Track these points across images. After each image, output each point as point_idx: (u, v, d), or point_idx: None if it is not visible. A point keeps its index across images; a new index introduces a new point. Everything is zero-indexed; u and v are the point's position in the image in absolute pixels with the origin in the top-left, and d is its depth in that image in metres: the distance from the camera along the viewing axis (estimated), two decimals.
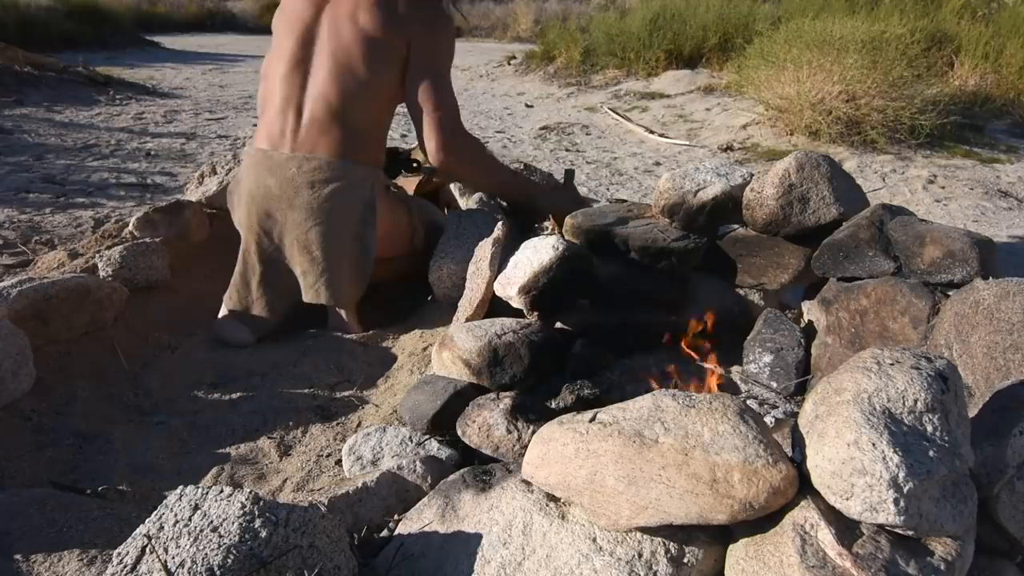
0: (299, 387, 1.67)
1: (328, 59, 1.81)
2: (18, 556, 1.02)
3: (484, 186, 2.18)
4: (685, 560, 0.87)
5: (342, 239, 1.82)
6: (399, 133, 5.38)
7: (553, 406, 1.25)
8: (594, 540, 0.91)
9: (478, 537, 0.98)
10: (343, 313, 1.90)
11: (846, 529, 0.81)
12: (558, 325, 1.57)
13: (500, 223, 1.68)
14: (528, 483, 1.02)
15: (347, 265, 1.84)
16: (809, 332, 1.53)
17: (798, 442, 0.89)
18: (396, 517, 1.11)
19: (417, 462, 1.19)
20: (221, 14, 15.37)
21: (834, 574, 0.77)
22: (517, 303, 1.48)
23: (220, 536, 0.82)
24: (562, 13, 12.30)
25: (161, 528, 0.84)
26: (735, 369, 1.54)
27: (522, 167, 2.41)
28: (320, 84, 1.81)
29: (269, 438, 1.48)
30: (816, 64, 4.51)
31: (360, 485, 1.14)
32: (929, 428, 0.82)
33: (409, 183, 2.31)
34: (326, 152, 1.80)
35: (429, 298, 1.99)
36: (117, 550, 0.82)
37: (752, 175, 1.69)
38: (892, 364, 0.88)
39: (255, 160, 1.85)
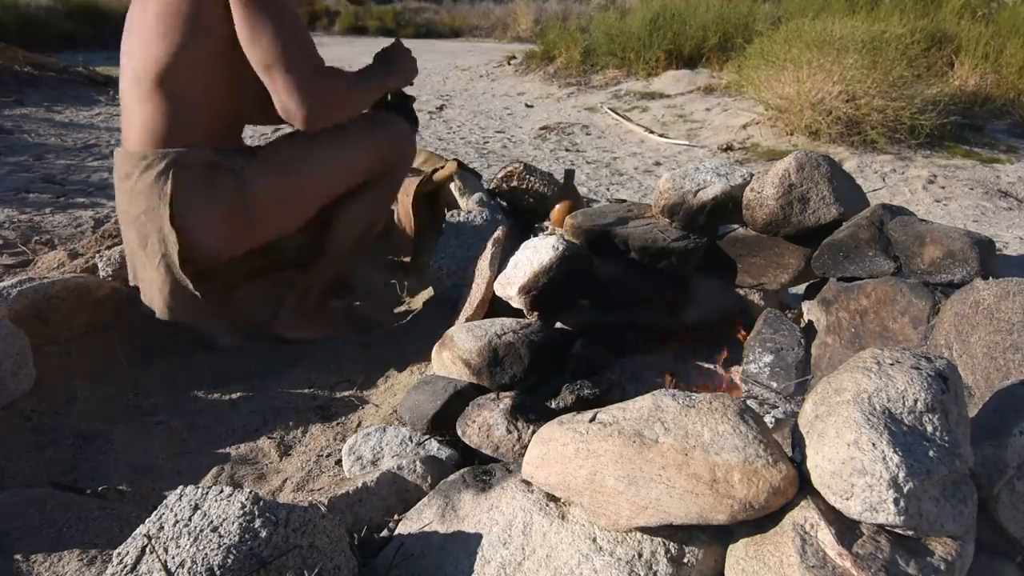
0: (299, 387, 1.67)
1: (138, 31, 1.55)
2: (18, 556, 1.02)
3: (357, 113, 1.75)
4: (685, 560, 0.87)
5: (147, 246, 1.61)
6: None
7: (553, 406, 1.25)
8: (594, 540, 0.91)
9: (478, 537, 0.98)
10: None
11: (846, 529, 0.81)
12: (558, 325, 1.57)
13: (500, 223, 1.69)
14: (528, 483, 1.02)
15: (156, 279, 1.62)
16: (809, 332, 1.53)
17: (798, 442, 0.89)
18: (396, 517, 1.11)
19: (417, 462, 1.19)
20: None
21: (834, 574, 0.77)
22: (517, 303, 1.48)
23: (220, 536, 0.82)
24: (562, 13, 12.30)
25: (161, 528, 0.84)
26: (735, 369, 1.54)
27: (521, 167, 2.41)
28: (131, 62, 1.57)
29: (269, 438, 1.48)
30: (816, 64, 4.51)
31: (360, 485, 1.14)
32: (929, 428, 0.82)
33: (409, 184, 2.30)
34: (134, 143, 1.59)
35: (422, 302, 1.99)
36: (117, 550, 0.82)
37: (752, 175, 1.69)
38: (892, 364, 0.88)
39: None
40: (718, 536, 0.90)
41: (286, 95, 1.48)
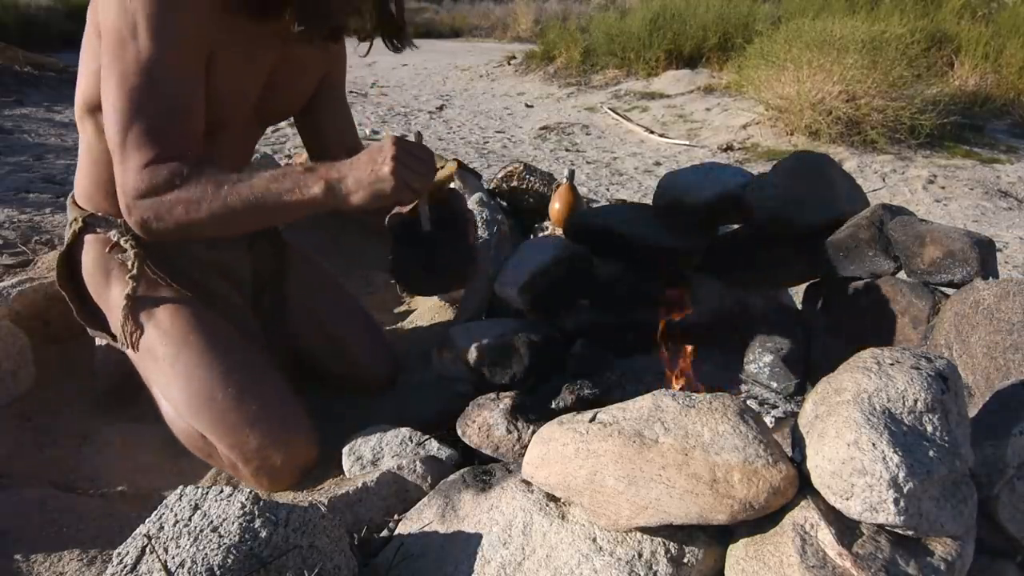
0: (299, 386, 1.67)
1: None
2: (18, 556, 1.02)
3: (225, 228, 1.16)
4: (685, 560, 0.87)
5: None
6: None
7: (553, 406, 1.25)
8: (594, 540, 0.91)
9: (478, 537, 0.98)
10: None
11: (846, 529, 0.81)
12: (557, 325, 1.57)
13: (500, 223, 1.69)
14: (528, 483, 1.02)
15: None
16: (809, 332, 1.53)
17: (798, 442, 0.89)
18: (396, 517, 1.11)
19: (417, 462, 1.19)
20: None
21: (834, 574, 0.77)
22: (517, 303, 1.48)
23: (220, 536, 0.81)
24: (562, 13, 12.31)
25: (161, 528, 0.84)
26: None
27: (521, 167, 2.41)
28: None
29: None
30: (816, 64, 4.52)
31: (360, 485, 1.14)
32: (929, 428, 0.82)
33: None
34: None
35: (422, 302, 1.98)
36: (117, 550, 0.82)
37: (752, 175, 1.69)
38: (892, 364, 0.88)
39: None
40: (718, 536, 0.90)
41: (118, 191, 1.12)
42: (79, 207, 1.37)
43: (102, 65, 1.10)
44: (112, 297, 1.32)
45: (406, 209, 1.24)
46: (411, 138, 1.12)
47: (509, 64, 8.98)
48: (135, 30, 1.06)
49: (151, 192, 1.08)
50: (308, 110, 1.48)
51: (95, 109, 1.22)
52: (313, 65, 1.41)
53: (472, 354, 1.30)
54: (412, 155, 1.08)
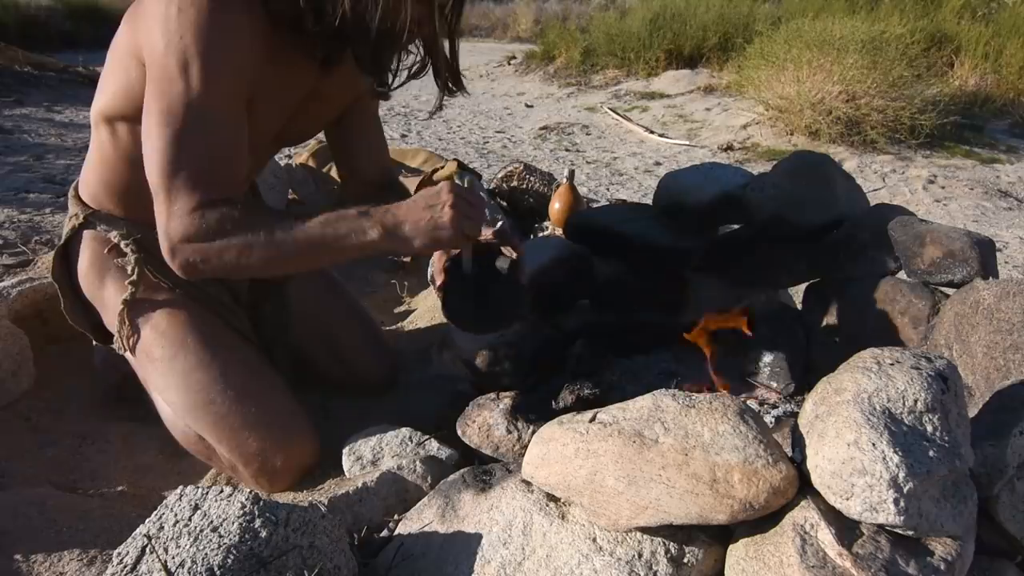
0: (298, 386, 1.67)
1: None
2: (18, 556, 1.02)
3: (275, 270, 1.24)
4: (685, 560, 0.87)
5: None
6: (399, 133, 5.39)
7: (553, 406, 1.25)
8: (594, 540, 0.91)
9: (478, 537, 0.98)
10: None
11: (846, 529, 0.81)
12: (558, 325, 1.57)
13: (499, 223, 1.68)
14: (528, 483, 1.02)
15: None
16: (809, 332, 1.53)
17: (798, 442, 0.89)
18: (396, 517, 1.11)
19: (417, 462, 1.19)
20: None
21: (834, 574, 0.77)
22: None
23: (220, 536, 0.82)
24: (562, 13, 12.32)
25: (161, 528, 0.84)
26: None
27: (521, 167, 2.41)
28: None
29: None
30: (816, 64, 4.52)
31: (360, 485, 1.14)
32: (929, 428, 0.82)
33: (409, 184, 2.30)
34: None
35: (422, 302, 1.98)
36: (117, 550, 0.82)
37: (752, 175, 1.69)
38: (892, 364, 0.88)
39: None
40: (718, 536, 0.90)
41: (160, 233, 1.07)
42: (82, 203, 1.36)
43: (145, 97, 1.06)
44: (107, 297, 1.32)
45: (455, 251, 1.25)
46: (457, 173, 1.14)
47: (509, 64, 8.99)
48: (185, 67, 1.02)
49: (200, 237, 1.05)
50: (339, 128, 1.47)
51: (112, 119, 1.23)
52: (339, 98, 1.40)
53: (472, 354, 1.30)
54: (467, 202, 1.10)
